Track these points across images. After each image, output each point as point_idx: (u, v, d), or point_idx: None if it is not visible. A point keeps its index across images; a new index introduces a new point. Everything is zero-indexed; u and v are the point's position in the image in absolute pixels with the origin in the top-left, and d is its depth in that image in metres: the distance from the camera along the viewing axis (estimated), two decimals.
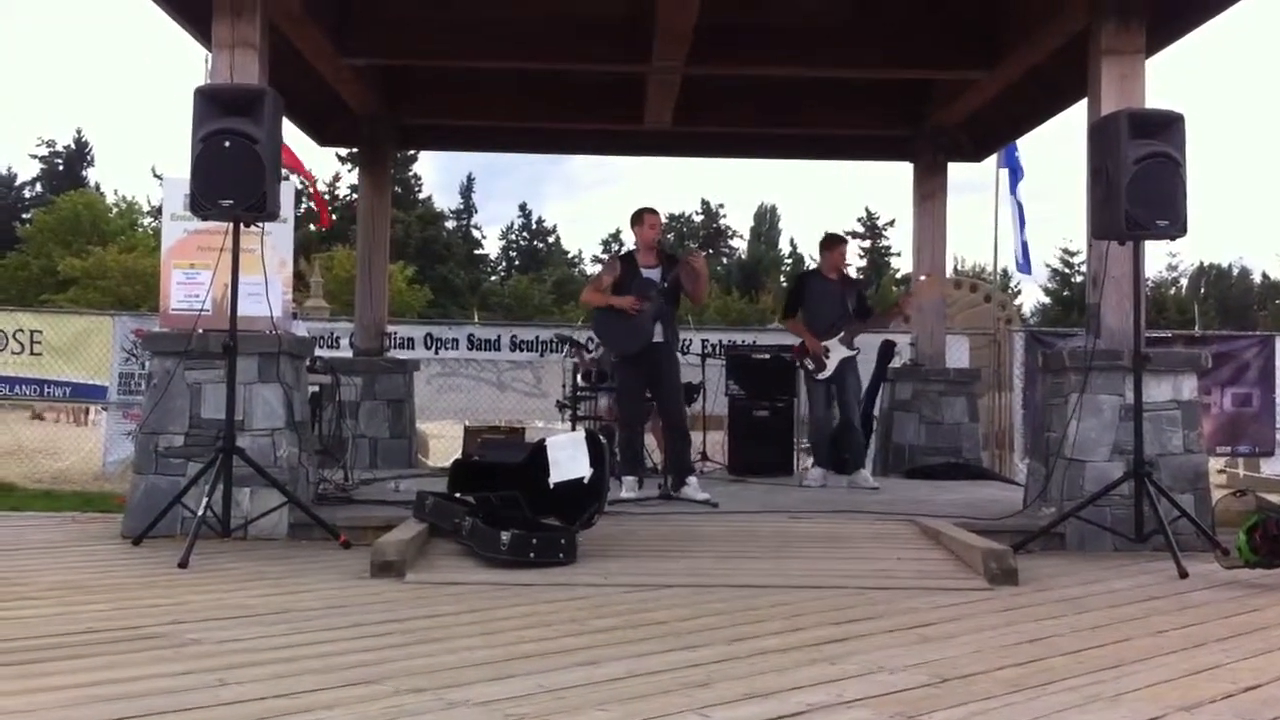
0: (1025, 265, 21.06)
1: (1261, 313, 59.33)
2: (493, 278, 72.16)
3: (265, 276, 7.63)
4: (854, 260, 68.93)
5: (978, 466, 11.87)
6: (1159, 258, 60.54)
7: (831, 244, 10.50)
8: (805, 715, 3.54)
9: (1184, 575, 6.35)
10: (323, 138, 12.79)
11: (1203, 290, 65.44)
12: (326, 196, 63.44)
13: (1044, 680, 4.02)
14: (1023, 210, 19.59)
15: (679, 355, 9.27)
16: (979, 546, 6.43)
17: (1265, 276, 68.09)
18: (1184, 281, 66.74)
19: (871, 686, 3.91)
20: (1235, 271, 71.39)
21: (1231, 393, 13.56)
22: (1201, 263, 69.68)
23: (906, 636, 4.82)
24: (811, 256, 70.56)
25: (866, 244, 71.33)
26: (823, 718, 3.52)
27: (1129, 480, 7.12)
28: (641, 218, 8.85)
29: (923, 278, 11.02)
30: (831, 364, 9.95)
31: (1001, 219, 20.43)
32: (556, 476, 7.02)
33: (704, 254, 9.12)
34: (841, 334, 9.95)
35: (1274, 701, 3.78)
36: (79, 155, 68.99)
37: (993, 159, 17.06)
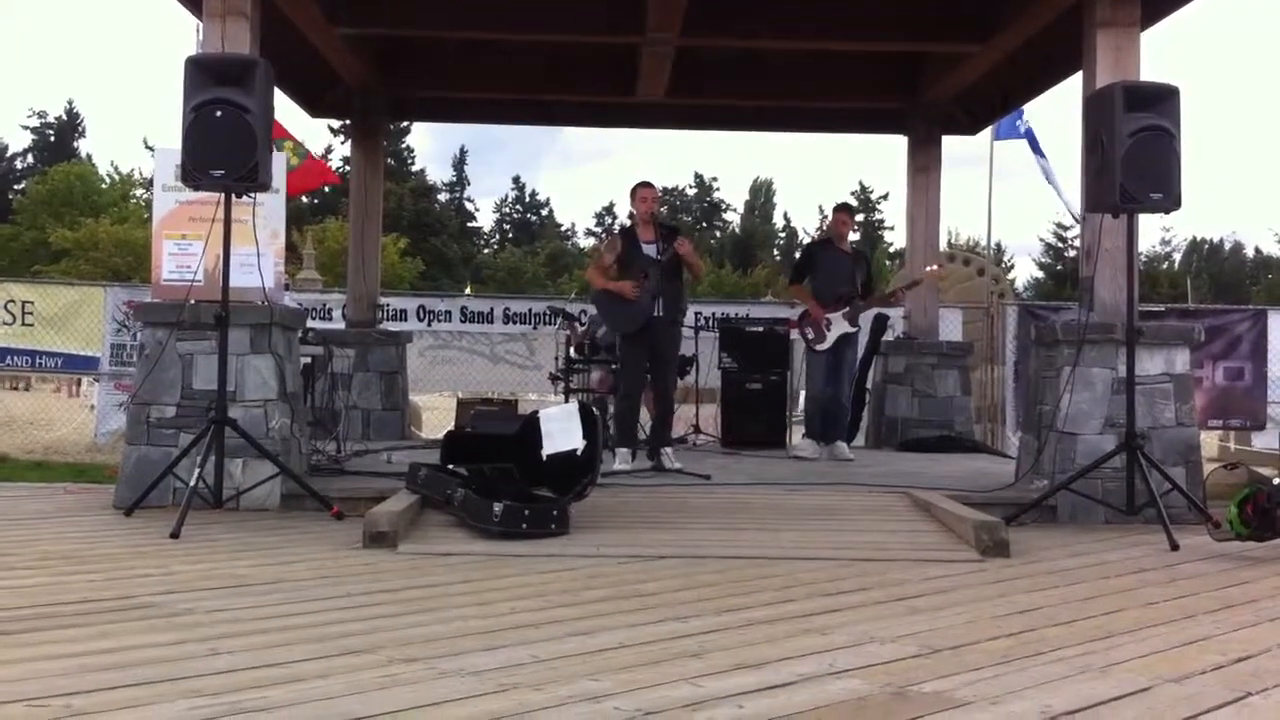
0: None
1: (1254, 287, 59.40)
2: (485, 250, 72.01)
3: (257, 247, 7.60)
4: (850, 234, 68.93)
5: (970, 439, 11.90)
6: (1152, 232, 60.68)
7: (835, 210, 10.58)
8: (796, 685, 3.55)
9: (1175, 547, 6.37)
10: (315, 109, 12.71)
11: (1195, 264, 65.47)
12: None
13: (1035, 651, 4.03)
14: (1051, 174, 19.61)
15: (680, 328, 9.25)
16: (971, 519, 6.45)
17: (1258, 251, 68.23)
18: (1177, 256, 66.82)
19: (862, 657, 3.92)
20: (1228, 246, 71.51)
21: (1223, 366, 13.58)
22: (1195, 237, 69.78)
23: (897, 608, 4.83)
24: (805, 230, 70.69)
25: (861, 217, 71.28)
26: (814, 688, 3.53)
27: (1121, 453, 7.14)
28: (636, 192, 8.84)
29: (931, 268, 11.05)
30: (831, 337, 9.95)
31: (996, 192, 20.47)
32: (549, 448, 7.01)
33: (687, 241, 9.03)
34: (846, 309, 9.95)
35: (1264, 673, 3.79)
36: (70, 126, 68.71)
37: (987, 132, 17.02)
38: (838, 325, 9.97)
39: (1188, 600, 5.11)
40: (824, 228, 12.07)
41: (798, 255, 11.34)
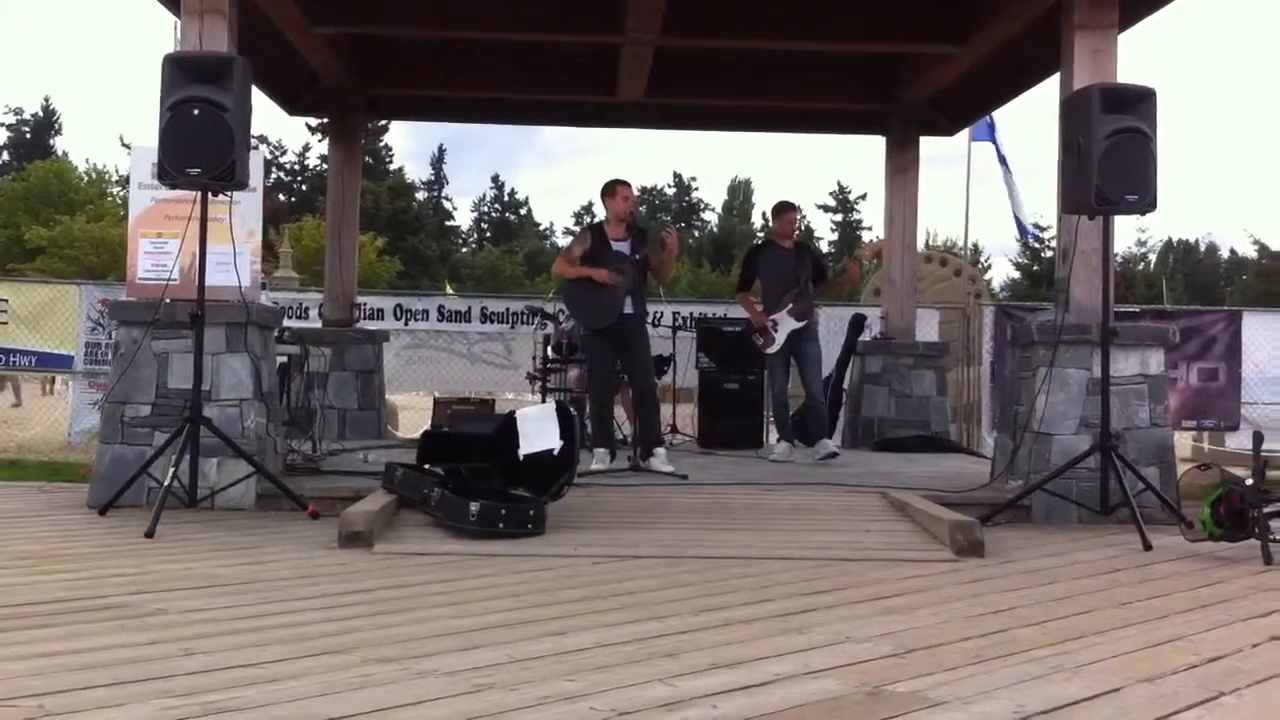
0: (1024, 234, 23.30)
1: (1228, 288, 59.69)
2: (464, 249, 71.86)
3: (233, 246, 7.58)
4: (826, 233, 69.16)
5: (946, 439, 11.93)
6: (1128, 233, 60.75)
7: (779, 211, 10.41)
8: (772, 685, 3.55)
9: (1148, 548, 6.41)
10: (293, 107, 12.68)
11: (1171, 266, 65.78)
12: (296, 167, 63.13)
13: (1008, 651, 4.04)
14: (1012, 188, 19.86)
15: (648, 327, 9.25)
16: (946, 518, 6.47)
17: (1233, 252, 68.47)
18: (1152, 257, 67.07)
19: (838, 656, 3.93)
20: (1203, 247, 71.79)
21: (1198, 367, 13.64)
22: (1170, 238, 70.04)
23: (873, 607, 4.84)
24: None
25: (838, 218, 71.40)
26: (789, 687, 3.53)
27: (1095, 453, 7.17)
28: (613, 189, 8.81)
29: (871, 240, 11.16)
30: (780, 337, 9.83)
31: (973, 193, 20.65)
32: (527, 448, 7.02)
33: (675, 229, 9.08)
34: (790, 305, 9.82)
35: (1236, 672, 3.81)
36: (46, 123, 68.27)
37: (964, 133, 17.11)
38: (784, 324, 9.82)
39: (1161, 600, 5.14)
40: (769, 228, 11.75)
41: (741, 263, 11.14)
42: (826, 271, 10.37)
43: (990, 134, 19.26)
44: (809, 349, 10.02)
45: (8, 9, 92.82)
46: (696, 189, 79.92)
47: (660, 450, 8.75)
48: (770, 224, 10.50)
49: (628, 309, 8.61)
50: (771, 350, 9.92)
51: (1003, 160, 19.60)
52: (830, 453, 9.75)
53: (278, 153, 61.41)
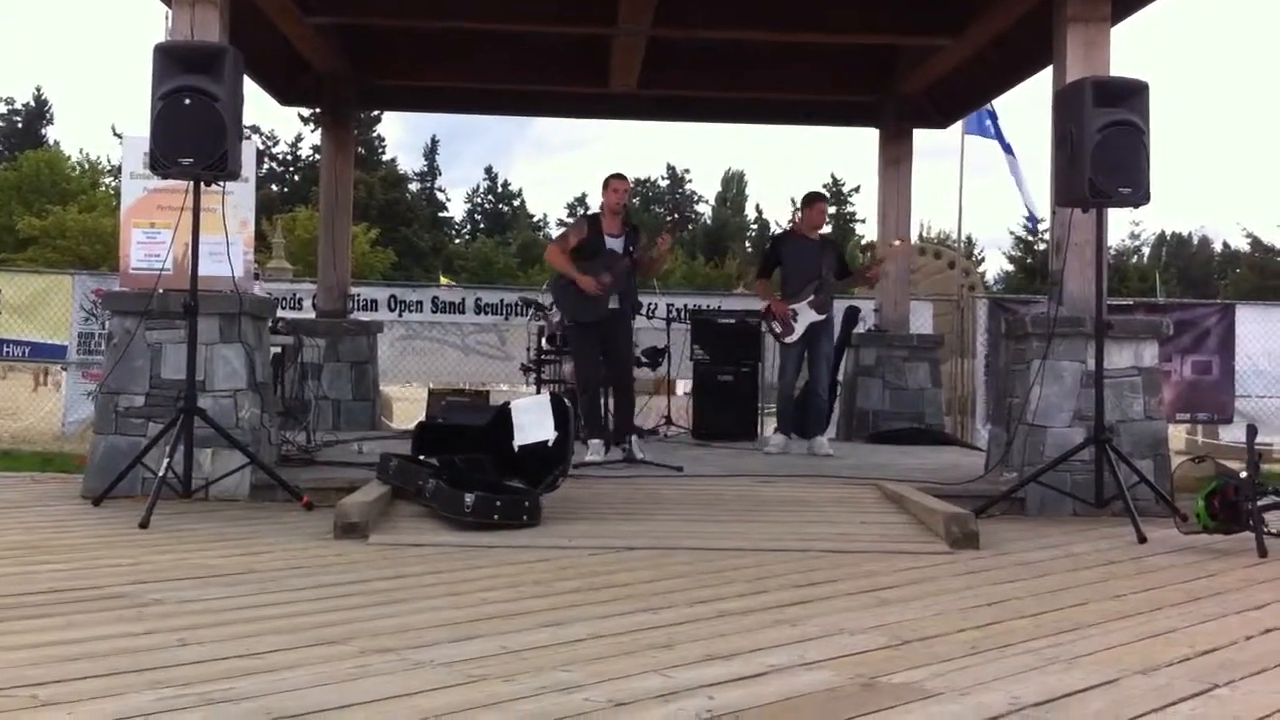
0: (1034, 223, 24.63)
1: (1222, 281, 59.81)
2: (457, 241, 71.77)
3: (226, 236, 7.56)
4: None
5: (940, 432, 11.94)
6: (1121, 226, 60.83)
7: (810, 200, 10.30)
8: (767, 676, 3.56)
9: (1143, 540, 6.41)
10: (285, 98, 12.65)
11: (1164, 259, 65.85)
12: (289, 158, 62.99)
13: (1003, 642, 4.05)
14: (1019, 177, 19.93)
15: (634, 320, 9.24)
16: (941, 510, 6.48)
17: (1226, 245, 68.59)
18: (1146, 250, 67.15)
19: (833, 648, 3.93)
20: (1196, 240, 71.93)
21: (1192, 360, 13.69)
22: (1163, 231, 70.15)
23: (868, 599, 4.85)
24: (776, 221, 70.65)
25: (832, 209, 71.37)
26: (785, 679, 3.53)
27: (1089, 446, 7.18)
28: (607, 182, 8.82)
29: (895, 242, 11.05)
30: (799, 328, 9.75)
31: (967, 186, 20.68)
32: (521, 439, 7.02)
33: (671, 239, 9.10)
34: (812, 297, 9.76)
35: (1230, 665, 3.82)
36: (38, 113, 68.14)
37: (958, 126, 17.10)
38: (804, 315, 9.74)
39: (1155, 593, 5.14)
40: (794, 219, 11.62)
41: (763, 251, 11.05)
42: (849, 267, 10.32)
43: (994, 125, 19.23)
44: (824, 346, 10.00)
45: None
46: (690, 181, 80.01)
47: (634, 438, 8.77)
48: (801, 214, 10.30)
49: (613, 304, 8.61)
50: (790, 340, 9.82)
51: (1008, 149, 19.56)
52: (825, 454, 9.71)
53: (270, 143, 61.30)
